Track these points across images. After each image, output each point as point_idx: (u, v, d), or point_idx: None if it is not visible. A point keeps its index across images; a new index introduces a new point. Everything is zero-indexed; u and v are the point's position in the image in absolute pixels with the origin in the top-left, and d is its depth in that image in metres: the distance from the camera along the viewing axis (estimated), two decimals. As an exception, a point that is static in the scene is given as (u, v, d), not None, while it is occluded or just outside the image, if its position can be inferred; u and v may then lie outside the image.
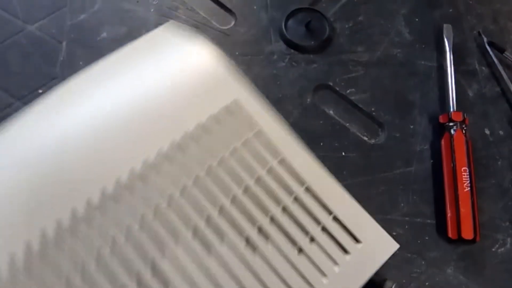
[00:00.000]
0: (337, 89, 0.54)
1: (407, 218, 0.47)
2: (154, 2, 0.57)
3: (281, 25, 0.56)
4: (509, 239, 0.48)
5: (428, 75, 0.55)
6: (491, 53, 0.56)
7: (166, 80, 0.38)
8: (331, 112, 0.52)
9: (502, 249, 0.47)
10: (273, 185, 0.35)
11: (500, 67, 0.55)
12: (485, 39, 0.57)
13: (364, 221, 0.36)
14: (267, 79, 0.53)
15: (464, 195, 0.47)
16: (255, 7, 0.58)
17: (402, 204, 0.48)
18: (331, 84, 0.54)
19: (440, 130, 0.52)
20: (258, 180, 0.36)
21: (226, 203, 0.34)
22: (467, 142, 0.49)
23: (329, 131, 0.51)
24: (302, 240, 0.34)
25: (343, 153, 0.50)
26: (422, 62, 0.56)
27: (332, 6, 0.59)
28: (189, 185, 0.34)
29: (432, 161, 0.51)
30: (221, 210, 0.34)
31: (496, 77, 0.56)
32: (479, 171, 0.50)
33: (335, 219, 0.35)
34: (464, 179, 0.48)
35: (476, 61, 0.57)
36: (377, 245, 0.36)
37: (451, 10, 0.60)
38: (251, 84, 0.40)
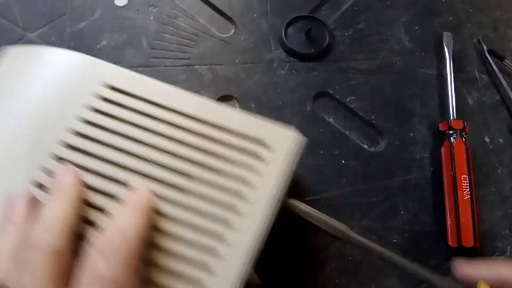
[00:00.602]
0: (337, 96, 0.54)
1: (406, 226, 0.48)
2: (154, 10, 0.57)
3: (281, 32, 0.57)
4: (509, 247, 0.48)
5: (428, 83, 0.55)
6: (491, 61, 0.57)
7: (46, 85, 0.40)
8: (331, 119, 0.53)
9: (502, 257, 0.47)
10: (175, 133, 0.38)
11: (500, 75, 0.56)
12: (485, 47, 0.57)
13: (266, 127, 0.38)
14: (267, 87, 0.53)
15: (464, 203, 0.47)
16: (255, 15, 0.58)
17: (402, 212, 0.48)
18: (331, 92, 0.54)
19: (440, 138, 0.52)
20: (161, 134, 0.38)
21: (139, 164, 0.36)
22: (467, 150, 0.49)
23: (329, 138, 0.51)
24: (219, 165, 0.36)
25: (343, 161, 0.50)
26: (422, 70, 0.56)
27: (332, 14, 0.59)
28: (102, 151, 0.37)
29: (432, 169, 0.51)
30: (139, 173, 0.36)
31: (496, 85, 0.56)
32: (479, 179, 0.50)
33: (238, 135, 0.38)
34: (464, 187, 0.48)
35: (476, 69, 0.57)
36: (286, 142, 0.38)
37: (451, 18, 0.60)
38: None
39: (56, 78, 0.40)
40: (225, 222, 0.35)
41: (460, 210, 0.47)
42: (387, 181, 0.50)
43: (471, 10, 0.61)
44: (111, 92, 0.39)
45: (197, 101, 0.39)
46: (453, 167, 0.49)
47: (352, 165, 0.50)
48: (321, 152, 0.50)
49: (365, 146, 0.52)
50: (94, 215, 0.34)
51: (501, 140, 0.53)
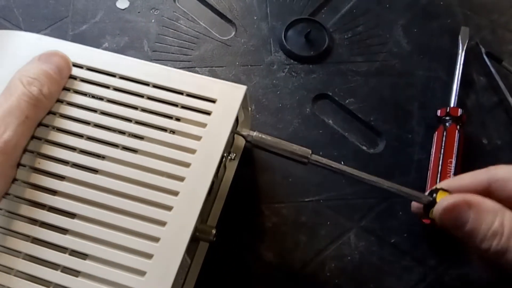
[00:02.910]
0: (336, 99, 0.54)
1: (405, 227, 0.48)
2: (155, 13, 0.58)
3: (281, 35, 0.57)
4: (507, 248, 0.48)
5: (426, 85, 0.56)
6: (488, 63, 0.57)
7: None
8: (330, 121, 0.53)
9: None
10: (123, 97, 0.40)
11: (497, 77, 0.56)
12: (482, 50, 0.58)
13: (210, 84, 0.40)
14: (267, 89, 0.54)
15: None
16: (255, 18, 0.59)
17: (400, 213, 0.48)
18: (330, 94, 0.54)
19: (437, 123, 0.52)
20: (110, 101, 0.40)
21: (90, 129, 0.38)
22: (459, 137, 0.50)
23: (328, 140, 0.52)
24: (170, 124, 0.38)
25: (342, 162, 0.50)
26: (421, 72, 0.57)
27: (332, 17, 0.60)
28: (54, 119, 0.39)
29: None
30: (88, 137, 0.38)
31: (493, 87, 0.56)
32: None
33: (188, 95, 0.40)
34: (448, 169, 0.48)
35: (474, 71, 0.57)
36: (230, 95, 0.40)
37: (449, 20, 0.60)
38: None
39: (10, 59, 0.41)
40: (175, 177, 0.36)
41: (439, 189, 0.47)
42: (386, 182, 0.50)
43: (469, 12, 0.61)
44: None
45: (146, 66, 0.41)
46: (442, 151, 0.49)
47: (351, 166, 0.50)
48: (320, 153, 0.50)
49: (364, 148, 0.52)
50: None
51: (498, 142, 0.53)
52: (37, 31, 0.55)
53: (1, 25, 0.55)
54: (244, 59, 0.56)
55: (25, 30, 0.55)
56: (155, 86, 0.40)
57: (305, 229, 0.47)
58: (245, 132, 0.42)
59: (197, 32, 0.57)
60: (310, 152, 0.41)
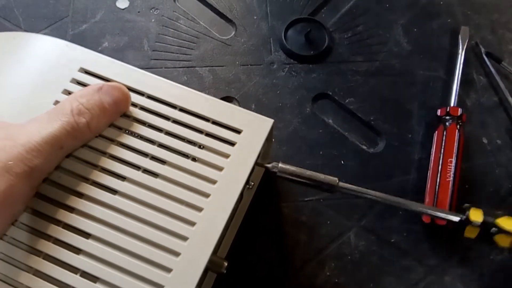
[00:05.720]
0: (336, 98, 0.54)
1: (405, 226, 0.48)
2: (155, 13, 0.58)
3: (281, 35, 0.57)
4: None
5: (426, 85, 0.56)
6: (488, 63, 0.57)
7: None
8: (330, 121, 0.53)
9: (500, 256, 0.47)
10: (149, 117, 0.39)
11: (497, 77, 0.56)
12: (482, 50, 0.58)
13: (238, 113, 0.39)
14: (267, 88, 0.54)
15: (445, 184, 0.47)
16: (255, 17, 0.59)
17: (400, 212, 0.48)
18: (330, 93, 0.54)
19: (437, 122, 0.52)
20: (136, 120, 0.39)
21: (114, 147, 0.37)
22: (459, 137, 0.50)
23: (328, 140, 0.52)
24: (193, 151, 0.37)
25: (342, 162, 0.51)
26: (421, 72, 0.57)
27: (332, 17, 0.60)
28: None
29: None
30: (111, 156, 0.37)
31: (493, 87, 0.56)
32: (476, 180, 0.50)
33: (214, 123, 0.39)
34: (448, 169, 0.48)
35: (474, 71, 0.57)
36: (256, 127, 0.39)
37: (449, 20, 0.60)
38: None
39: (37, 63, 0.41)
40: (193, 206, 0.35)
41: (440, 189, 0.47)
42: (386, 182, 0.50)
43: (469, 12, 0.61)
44: (86, 76, 0.40)
45: (175, 88, 0.40)
46: (442, 150, 0.49)
47: (351, 165, 0.51)
48: (321, 153, 0.51)
49: (364, 147, 0.52)
50: None
51: (498, 141, 0.53)
52: (37, 30, 0.55)
53: (1, 24, 0.55)
54: (244, 59, 0.56)
55: (25, 30, 0.55)
56: (182, 110, 0.39)
57: (305, 228, 0.47)
58: (270, 164, 0.41)
59: (197, 31, 0.57)
60: (337, 180, 0.41)
